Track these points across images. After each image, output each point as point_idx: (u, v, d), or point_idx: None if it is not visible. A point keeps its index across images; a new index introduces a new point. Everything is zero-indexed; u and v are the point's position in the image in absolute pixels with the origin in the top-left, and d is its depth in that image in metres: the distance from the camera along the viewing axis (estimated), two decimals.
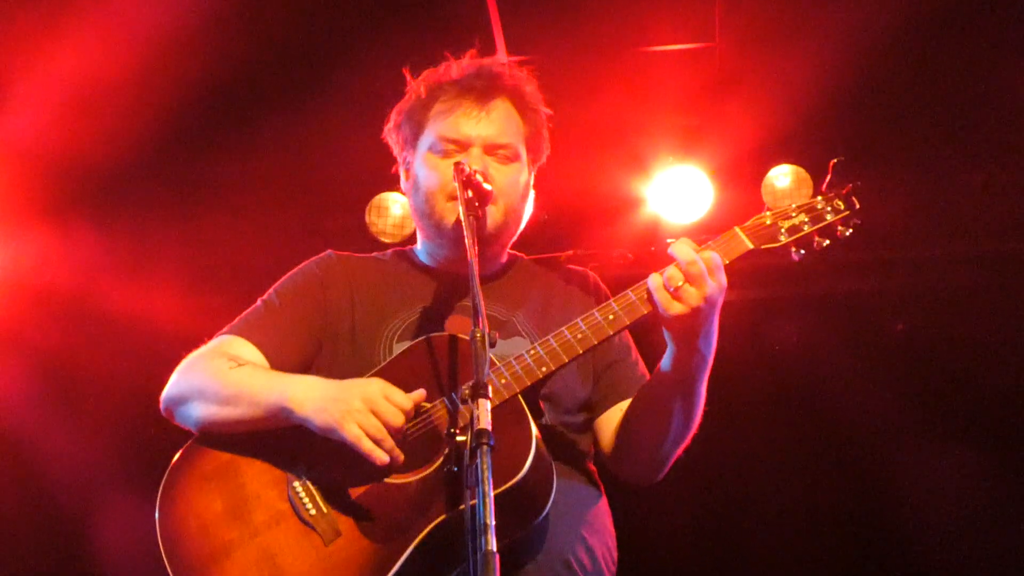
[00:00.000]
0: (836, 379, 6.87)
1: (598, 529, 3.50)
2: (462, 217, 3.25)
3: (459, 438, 2.86)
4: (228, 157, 6.49)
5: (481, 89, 3.61)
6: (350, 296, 3.64)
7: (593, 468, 3.61)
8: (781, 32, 6.04)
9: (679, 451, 3.51)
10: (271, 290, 3.72)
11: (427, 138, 3.63)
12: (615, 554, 3.56)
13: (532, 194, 3.75)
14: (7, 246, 6.56)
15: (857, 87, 6.22)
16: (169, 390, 3.55)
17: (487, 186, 3.41)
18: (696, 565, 7.16)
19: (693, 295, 3.19)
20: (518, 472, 3.13)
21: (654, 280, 3.22)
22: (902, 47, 6.02)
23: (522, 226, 3.74)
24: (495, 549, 2.53)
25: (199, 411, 3.47)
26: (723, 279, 3.23)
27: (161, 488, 3.43)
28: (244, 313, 3.67)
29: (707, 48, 6.15)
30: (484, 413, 2.76)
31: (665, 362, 3.35)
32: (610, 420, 3.59)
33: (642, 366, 3.70)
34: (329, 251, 3.81)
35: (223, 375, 3.44)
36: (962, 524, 6.81)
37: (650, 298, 3.26)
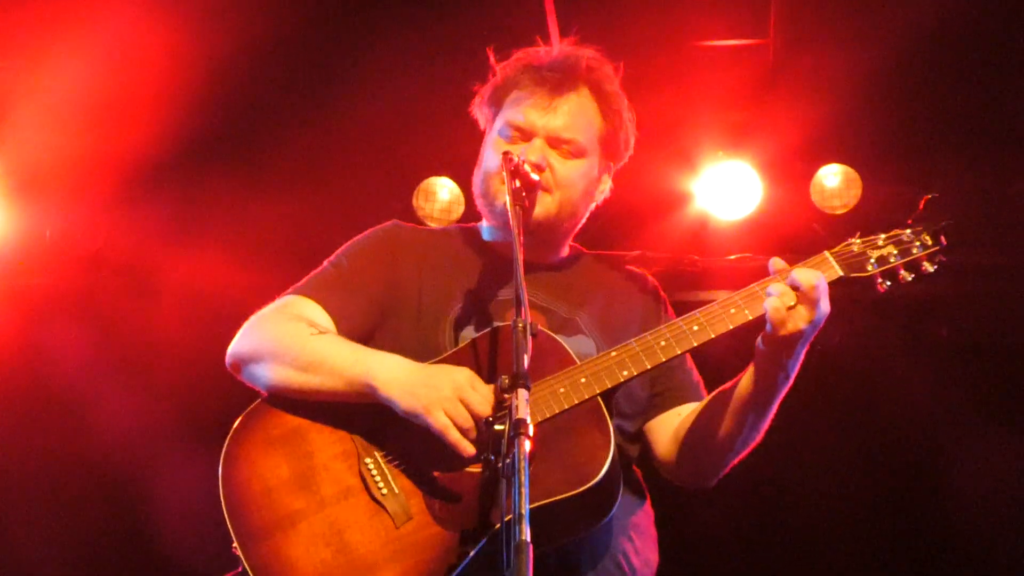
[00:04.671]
0: (879, 379, 6.84)
1: (643, 532, 3.52)
2: (508, 206, 3.26)
3: (496, 427, 2.86)
4: (281, 136, 6.53)
5: (557, 80, 3.60)
6: (418, 273, 3.61)
7: (639, 472, 3.62)
8: (835, 30, 6.00)
9: (740, 458, 3.51)
10: (337, 253, 3.68)
11: (499, 121, 3.64)
12: (655, 556, 3.57)
13: (603, 193, 3.75)
14: (65, 213, 6.63)
15: (911, 88, 6.17)
16: (238, 346, 3.49)
17: (534, 176, 3.43)
18: (741, 568, 7.14)
19: (804, 316, 3.19)
20: (596, 474, 3.16)
21: (772, 302, 3.19)
22: (958, 48, 5.96)
23: (581, 222, 3.73)
24: (528, 539, 2.51)
25: (272, 373, 3.41)
26: (828, 303, 3.23)
27: (225, 448, 3.37)
28: (311, 274, 3.62)
29: (760, 44, 6.14)
30: (522, 403, 2.76)
31: (747, 377, 3.35)
32: (665, 424, 3.57)
33: (696, 372, 3.69)
34: (395, 221, 3.79)
35: (303, 340, 3.39)
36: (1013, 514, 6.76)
37: (739, 313, 3.27)
